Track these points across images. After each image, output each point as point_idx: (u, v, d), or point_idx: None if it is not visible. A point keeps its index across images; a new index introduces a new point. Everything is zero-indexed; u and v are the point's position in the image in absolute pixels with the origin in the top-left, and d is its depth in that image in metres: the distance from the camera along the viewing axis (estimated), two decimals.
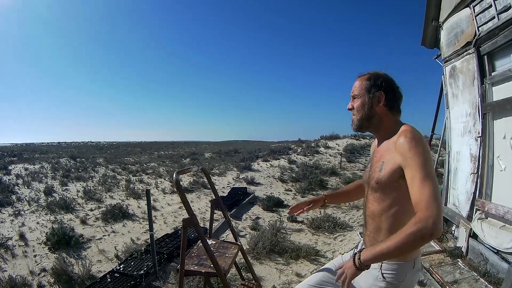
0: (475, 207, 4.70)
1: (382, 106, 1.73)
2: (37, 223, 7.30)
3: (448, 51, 5.73)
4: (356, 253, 1.52)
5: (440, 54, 6.24)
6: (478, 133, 4.73)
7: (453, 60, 5.58)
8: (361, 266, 1.47)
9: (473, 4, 4.75)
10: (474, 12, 4.74)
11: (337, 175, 13.40)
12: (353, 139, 21.76)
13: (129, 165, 17.96)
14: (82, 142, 65.73)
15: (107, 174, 14.87)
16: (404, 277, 1.65)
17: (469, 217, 4.84)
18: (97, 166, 17.45)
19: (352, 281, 1.54)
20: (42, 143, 63.15)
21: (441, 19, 5.98)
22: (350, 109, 1.84)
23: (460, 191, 5.31)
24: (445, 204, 5.83)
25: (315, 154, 18.23)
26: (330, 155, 18.10)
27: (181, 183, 1.69)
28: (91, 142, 65.57)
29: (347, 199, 2.41)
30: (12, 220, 7.55)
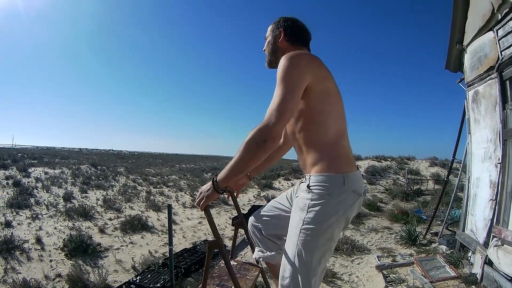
0: (492, 234, 4.62)
1: (283, 40, 1.98)
2: (55, 228, 7.45)
3: (472, 75, 5.68)
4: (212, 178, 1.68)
5: (464, 78, 6.18)
6: (498, 159, 4.67)
7: (476, 84, 5.54)
8: (216, 186, 1.66)
9: (497, 27, 4.71)
10: (497, 36, 4.69)
11: None
12: (374, 160, 21.85)
13: (150, 177, 18.25)
14: (104, 150, 67.61)
15: (128, 184, 15.13)
16: (332, 190, 1.67)
17: (486, 244, 4.75)
18: (118, 175, 17.81)
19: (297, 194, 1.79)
20: (63, 148, 65.26)
21: (465, 43, 5.94)
22: (264, 50, 2.11)
23: (478, 217, 5.25)
24: (463, 230, 5.77)
25: None
26: None
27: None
28: (112, 150, 67.36)
29: (269, 163, 2.47)
30: (30, 223, 7.73)
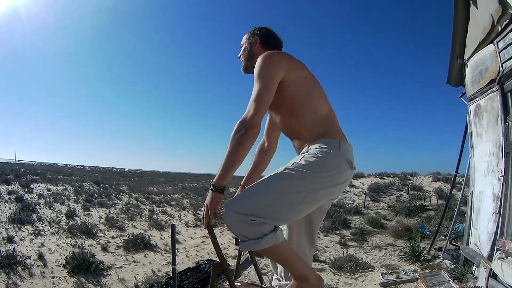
0: (496, 247, 4.61)
1: (259, 46, 2.14)
2: (57, 245, 7.48)
3: (473, 89, 5.74)
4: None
5: (465, 93, 6.25)
6: (501, 172, 4.68)
7: (477, 98, 5.59)
8: (215, 188, 1.72)
9: (497, 40, 4.76)
10: (498, 48, 4.74)
11: (361, 214, 13.46)
12: (377, 177, 21.93)
13: (153, 195, 18.26)
14: (106, 167, 67.41)
15: (131, 202, 15.17)
16: (329, 151, 1.78)
17: (490, 257, 4.75)
18: (121, 194, 17.84)
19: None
20: (66, 164, 65.26)
21: (466, 56, 6.01)
22: (239, 57, 2.25)
23: (481, 231, 5.25)
24: (467, 244, 5.77)
25: None
26: (354, 194, 18.37)
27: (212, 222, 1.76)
28: (115, 168, 67.18)
29: (258, 171, 2.46)
30: (32, 239, 7.78)
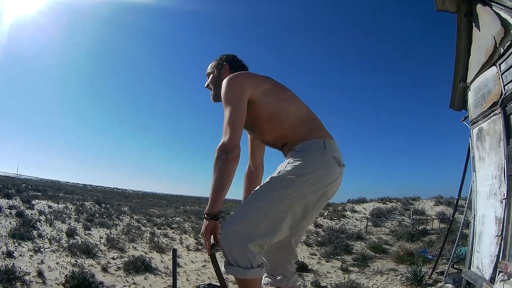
0: (498, 269, 4.56)
1: (227, 73, 2.14)
2: (57, 263, 7.44)
3: (475, 113, 5.74)
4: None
5: (468, 116, 6.26)
6: (504, 195, 4.64)
7: (480, 122, 5.58)
8: (208, 216, 1.74)
9: (499, 62, 4.76)
10: (500, 70, 4.74)
11: (363, 240, 13.46)
12: (379, 202, 22.01)
13: (154, 217, 18.20)
14: (108, 187, 67.37)
15: (132, 224, 15.12)
16: (314, 151, 1.82)
17: (492, 280, 4.69)
18: (122, 215, 17.79)
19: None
20: (68, 182, 65.28)
21: (468, 79, 6.04)
22: (206, 87, 2.29)
23: (484, 254, 5.19)
24: (469, 268, 5.71)
25: (341, 218, 18.78)
26: (356, 219, 18.53)
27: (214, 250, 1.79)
28: (117, 188, 67.11)
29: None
30: (31, 255, 7.75)
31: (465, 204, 7.24)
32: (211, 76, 2.27)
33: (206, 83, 2.30)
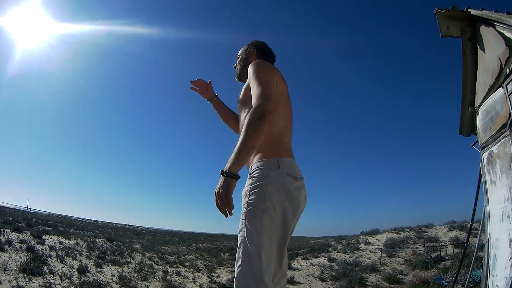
0: None
1: (254, 56, 2.42)
2: None
3: (485, 137, 5.64)
4: (220, 172, 1.75)
5: (477, 141, 6.15)
6: None
7: (490, 145, 5.48)
8: (230, 174, 1.72)
9: (506, 82, 4.68)
10: (507, 91, 4.64)
11: (377, 272, 13.32)
12: (393, 232, 21.93)
13: (167, 255, 17.98)
14: (119, 224, 67.24)
15: (144, 262, 14.90)
16: (268, 172, 1.88)
17: None
18: (134, 252, 17.61)
19: None
20: (79, 218, 65.34)
21: (476, 104, 5.98)
22: (234, 67, 2.55)
23: (499, 277, 5.06)
24: None
25: (355, 251, 18.70)
26: (370, 251, 18.41)
27: (220, 279, 1.76)
28: (128, 225, 66.92)
29: (224, 112, 2.75)
30: None
31: (479, 226, 7.10)
32: (239, 58, 2.51)
33: (235, 64, 2.55)
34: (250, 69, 2.10)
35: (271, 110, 1.83)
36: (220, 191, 1.71)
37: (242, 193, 1.91)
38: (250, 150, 1.78)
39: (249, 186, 1.88)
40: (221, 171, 1.75)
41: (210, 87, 2.77)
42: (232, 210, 1.75)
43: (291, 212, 1.90)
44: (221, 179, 1.74)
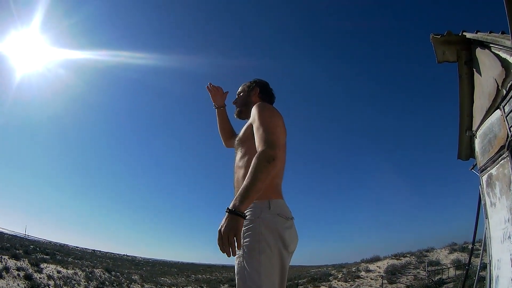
0: None
1: (256, 96, 2.49)
2: None
3: (483, 160, 5.68)
4: (226, 210, 1.72)
5: (476, 164, 6.18)
6: None
7: (489, 168, 5.50)
8: (238, 213, 1.69)
9: (503, 104, 4.70)
10: (505, 112, 4.66)
11: None
12: (393, 259, 21.90)
13: (166, 286, 17.77)
14: (118, 254, 66.43)
15: None
16: (260, 214, 1.96)
17: None
18: (133, 283, 17.44)
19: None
20: (77, 247, 64.62)
21: (474, 127, 6.04)
22: (234, 103, 2.60)
23: None
24: None
25: (356, 279, 18.76)
26: (371, 279, 18.51)
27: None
28: (126, 255, 66.11)
29: (223, 125, 2.90)
30: None
31: (480, 246, 7.09)
32: (241, 94, 2.57)
33: (235, 100, 2.61)
34: (256, 112, 2.15)
35: (279, 156, 1.90)
36: (228, 229, 1.66)
37: None
38: (259, 191, 1.79)
39: (243, 229, 1.88)
40: (228, 208, 1.71)
41: (224, 96, 2.90)
42: (236, 250, 1.70)
43: (285, 250, 1.98)
44: (227, 217, 1.69)
